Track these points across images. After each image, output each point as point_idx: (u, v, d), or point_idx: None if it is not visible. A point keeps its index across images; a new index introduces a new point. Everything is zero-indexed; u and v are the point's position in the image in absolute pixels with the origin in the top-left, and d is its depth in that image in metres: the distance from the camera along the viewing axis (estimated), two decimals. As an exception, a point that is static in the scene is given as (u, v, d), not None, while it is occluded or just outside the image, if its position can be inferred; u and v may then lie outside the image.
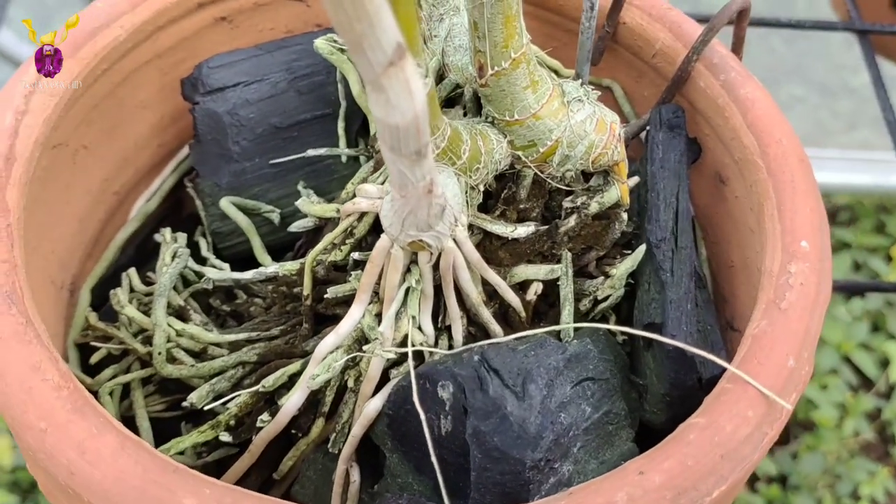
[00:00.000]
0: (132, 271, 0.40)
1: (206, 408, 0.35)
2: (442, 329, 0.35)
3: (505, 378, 0.31)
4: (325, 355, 0.34)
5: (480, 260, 0.34)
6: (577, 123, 0.35)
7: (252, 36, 0.45)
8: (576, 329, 0.36)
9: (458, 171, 0.34)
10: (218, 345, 0.37)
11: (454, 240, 0.33)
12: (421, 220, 0.30)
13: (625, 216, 0.37)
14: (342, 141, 0.43)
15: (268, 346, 0.37)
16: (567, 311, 0.36)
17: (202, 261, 0.42)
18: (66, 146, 0.39)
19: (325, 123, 0.43)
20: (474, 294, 0.34)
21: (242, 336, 0.37)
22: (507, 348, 0.33)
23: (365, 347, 0.33)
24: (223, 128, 0.42)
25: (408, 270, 0.34)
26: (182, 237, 0.41)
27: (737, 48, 0.40)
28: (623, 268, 0.36)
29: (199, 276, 0.40)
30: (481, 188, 0.35)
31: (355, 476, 0.35)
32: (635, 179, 0.39)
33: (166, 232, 0.41)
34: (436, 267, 0.33)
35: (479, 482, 0.31)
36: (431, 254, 0.32)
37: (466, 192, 0.35)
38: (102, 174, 0.42)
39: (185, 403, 0.36)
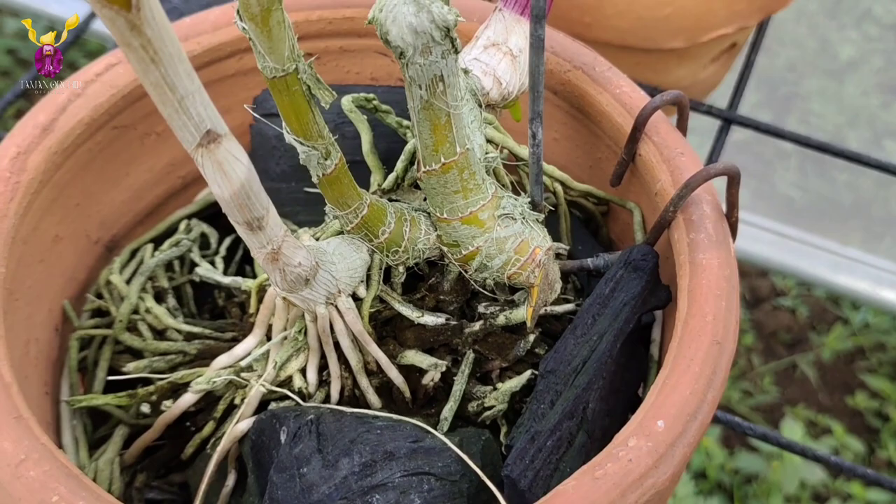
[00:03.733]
0: (149, 246, 0.46)
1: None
2: (327, 382, 0.38)
3: (323, 443, 0.34)
4: (216, 370, 0.38)
5: (363, 332, 0.36)
6: (500, 238, 0.36)
7: (337, 75, 0.50)
8: (458, 426, 0.38)
9: (376, 248, 0.37)
10: (177, 330, 0.42)
11: (336, 307, 0.35)
12: (279, 282, 0.33)
13: (531, 338, 0.38)
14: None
15: (208, 346, 0.42)
16: (449, 407, 0.37)
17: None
18: (134, 129, 0.46)
19: (359, 169, 0.47)
20: (353, 360, 0.37)
21: (196, 329, 0.42)
22: (355, 419, 0.35)
23: (244, 375, 0.37)
24: (270, 149, 0.47)
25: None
26: (198, 229, 0.47)
27: (730, 211, 0.39)
28: (507, 385, 0.37)
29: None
30: (402, 269, 0.38)
31: (230, 481, 0.39)
32: (569, 306, 0.39)
33: (190, 222, 0.47)
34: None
35: (264, 525, 0.34)
36: (313, 312, 0.35)
37: (381, 269, 0.37)
38: (169, 159, 0.49)
39: (123, 368, 0.41)
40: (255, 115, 0.46)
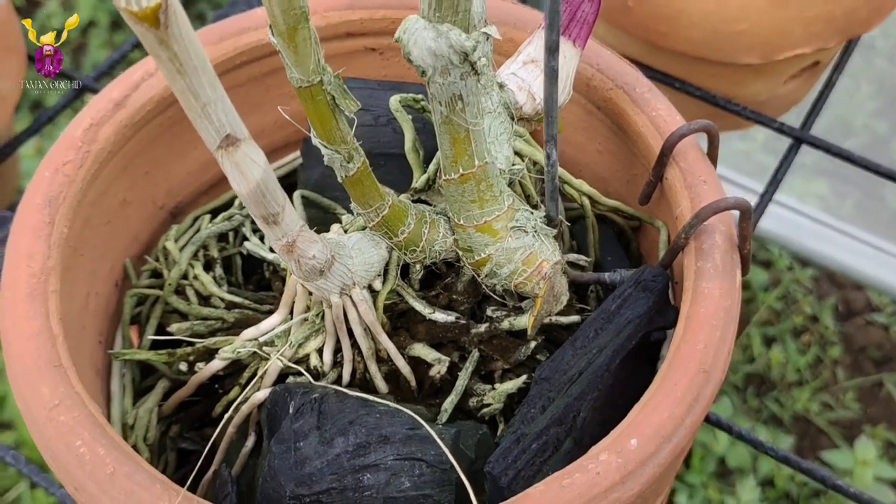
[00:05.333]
0: (207, 216, 0.50)
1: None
2: (340, 364, 0.41)
3: (322, 421, 0.37)
4: (243, 341, 0.41)
5: (374, 322, 0.39)
6: (510, 249, 0.38)
7: (401, 69, 0.52)
8: (458, 419, 0.40)
9: (394, 245, 0.39)
10: (220, 298, 0.46)
11: (350, 297, 0.38)
12: (295, 270, 0.36)
13: (532, 345, 0.40)
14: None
15: (246, 315, 0.45)
16: (450, 400, 0.40)
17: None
18: (180, 124, 0.50)
19: (406, 162, 0.49)
20: (364, 347, 0.40)
21: (237, 299, 0.46)
22: (357, 401, 0.38)
23: (266, 349, 0.41)
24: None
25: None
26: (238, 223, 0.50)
27: (742, 244, 0.40)
28: (504, 387, 0.40)
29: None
30: (419, 267, 0.41)
31: (249, 442, 0.43)
32: (575, 318, 0.41)
33: (246, 199, 0.50)
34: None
35: (262, 490, 0.37)
36: (328, 300, 0.39)
37: (398, 265, 0.40)
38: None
39: (168, 328, 0.45)
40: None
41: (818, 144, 0.68)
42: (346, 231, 0.41)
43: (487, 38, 0.40)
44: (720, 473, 1.50)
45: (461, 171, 0.37)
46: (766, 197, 0.65)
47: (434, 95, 0.34)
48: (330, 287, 0.37)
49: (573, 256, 0.44)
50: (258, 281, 0.50)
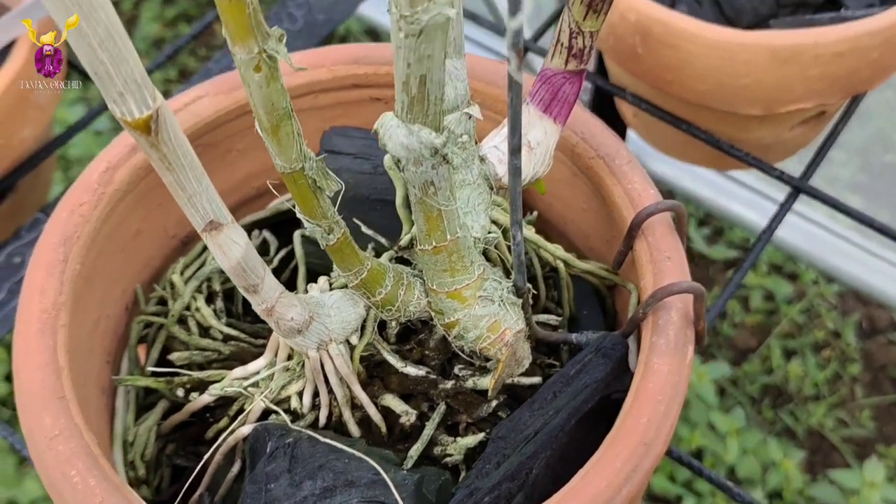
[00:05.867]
0: (213, 251, 0.54)
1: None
2: (318, 407, 0.45)
3: (294, 465, 0.41)
4: (231, 379, 0.45)
5: (349, 374, 0.43)
6: (477, 316, 0.42)
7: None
8: (423, 464, 0.44)
9: (372, 304, 0.43)
10: (219, 330, 0.50)
11: (328, 352, 0.42)
12: (276, 329, 0.40)
13: (493, 404, 0.43)
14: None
15: (241, 348, 0.49)
16: (416, 448, 0.44)
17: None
18: (216, 147, 0.53)
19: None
20: (339, 395, 0.43)
21: (234, 332, 0.50)
22: (328, 447, 0.42)
23: (251, 389, 0.44)
24: (330, 178, 0.53)
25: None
26: (259, 239, 0.54)
27: (696, 322, 0.43)
28: (463, 441, 0.43)
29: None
30: (395, 323, 0.44)
31: (235, 469, 0.47)
32: (536, 379, 0.44)
33: (251, 233, 0.54)
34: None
35: (237, 524, 0.41)
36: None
37: (375, 321, 0.43)
38: (246, 171, 0.56)
39: (169, 357, 0.49)
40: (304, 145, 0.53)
41: (817, 196, 0.70)
42: (332, 286, 0.45)
43: (469, 117, 0.43)
44: (729, 481, 1.52)
45: (434, 243, 0.40)
46: (759, 245, 0.67)
47: (409, 180, 0.38)
48: (308, 343, 0.41)
49: (544, 317, 0.47)
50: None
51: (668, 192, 1.64)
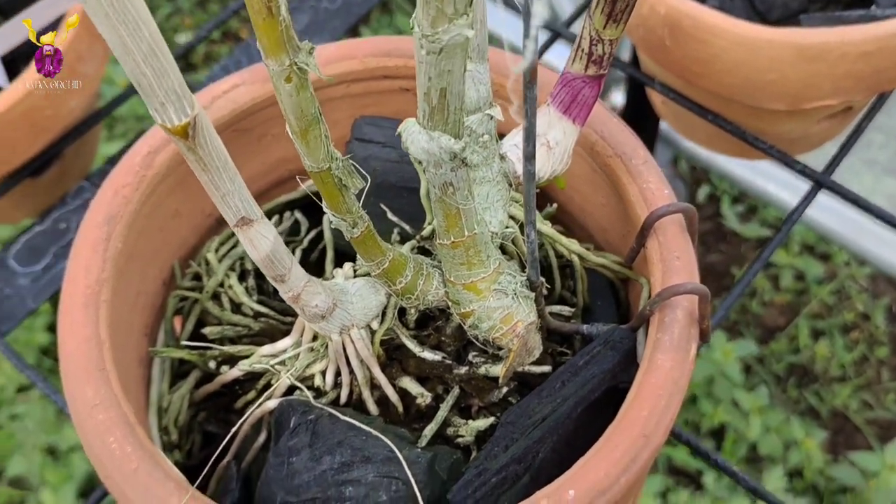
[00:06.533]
0: (247, 230, 0.57)
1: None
2: (340, 385, 0.47)
3: (314, 440, 0.44)
4: (259, 356, 0.48)
5: (370, 357, 0.46)
6: (491, 308, 0.44)
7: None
8: (437, 443, 0.47)
9: (393, 292, 0.45)
10: (250, 307, 0.53)
11: (349, 336, 0.45)
12: (301, 314, 0.43)
13: (503, 391, 0.46)
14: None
15: (270, 325, 0.52)
16: (430, 428, 0.46)
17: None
18: (252, 131, 0.56)
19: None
20: (359, 376, 0.46)
21: (263, 309, 0.53)
22: (347, 425, 0.45)
23: (277, 366, 0.47)
24: (359, 164, 0.56)
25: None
26: (291, 220, 0.56)
27: (701, 321, 0.45)
28: (474, 424, 0.46)
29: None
30: (414, 311, 0.47)
31: (261, 438, 0.50)
32: (546, 368, 0.47)
33: (283, 215, 0.57)
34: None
35: (259, 493, 0.44)
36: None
37: (395, 308, 0.46)
38: (281, 155, 0.58)
39: (202, 331, 0.52)
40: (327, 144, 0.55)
41: (837, 190, 0.71)
42: (356, 272, 0.47)
43: (491, 118, 0.45)
44: (750, 458, 1.55)
45: (452, 238, 0.42)
46: (781, 233, 0.69)
47: (430, 180, 0.40)
48: (331, 328, 0.44)
49: (557, 308, 0.49)
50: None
51: (703, 169, 1.64)
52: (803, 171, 0.72)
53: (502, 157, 0.47)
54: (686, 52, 0.68)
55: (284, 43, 0.33)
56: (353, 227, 0.41)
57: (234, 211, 0.36)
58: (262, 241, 0.37)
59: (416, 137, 0.37)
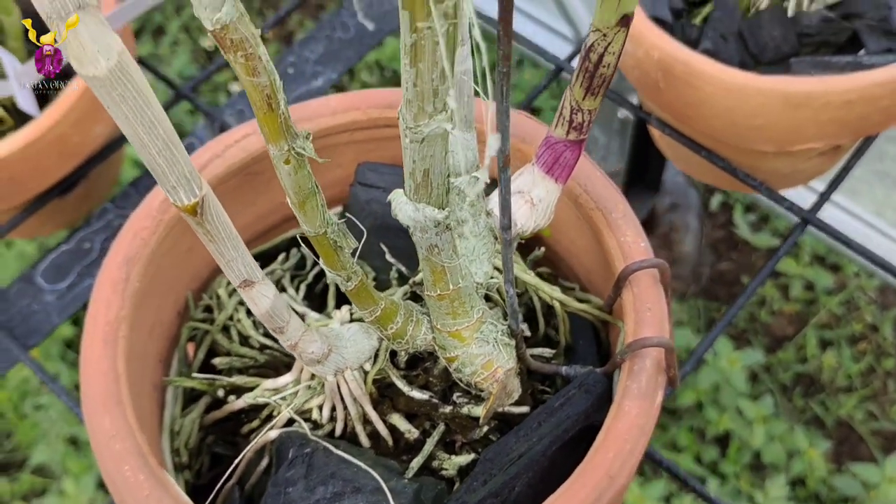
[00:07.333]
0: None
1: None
2: (335, 419, 0.52)
3: (309, 472, 0.48)
4: (262, 389, 0.52)
5: (362, 396, 0.50)
6: (473, 354, 0.48)
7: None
8: (423, 475, 0.51)
9: (385, 336, 0.50)
10: (257, 340, 0.57)
11: (343, 377, 0.49)
12: (299, 359, 0.47)
13: (484, 429, 0.50)
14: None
15: (274, 357, 0.56)
16: (417, 461, 0.50)
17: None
18: (263, 174, 0.60)
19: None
20: (353, 412, 0.50)
21: (269, 343, 0.57)
22: (340, 458, 0.49)
23: (278, 400, 0.52)
24: (360, 208, 0.60)
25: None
26: (297, 257, 0.61)
27: (668, 370, 0.49)
28: (456, 460, 0.50)
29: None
30: (404, 353, 0.51)
31: (264, 464, 0.55)
32: (525, 408, 0.51)
33: (289, 253, 0.61)
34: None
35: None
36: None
37: (387, 350, 0.50)
38: (289, 195, 0.63)
39: (212, 361, 0.57)
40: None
41: (823, 228, 0.75)
42: (352, 316, 0.52)
43: (478, 180, 0.49)
44: (754, 466, 1.58)
45: (438, 291, 0.47)
46: (763, 273, 0.72)
47: (417, 242, 0.44)
48: (326, 370, 0.48)
49: (538, 350, 0.53)
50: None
51: (713, 180, 1.67)
52: (790, 208, 0.75)
53: (488, 213, 0.50)
54: (678, 95, 0.72)
55: (283, 132, 0.37)
56: (347, 281, 0.45)
57: (237, 274, 0.40)
58: (262, 299, 0.42)
59: (403, 207, 0.41)
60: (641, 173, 1.35)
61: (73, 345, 1.56)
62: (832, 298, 1.71)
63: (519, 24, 1.53)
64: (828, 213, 1.53)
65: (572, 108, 0.48)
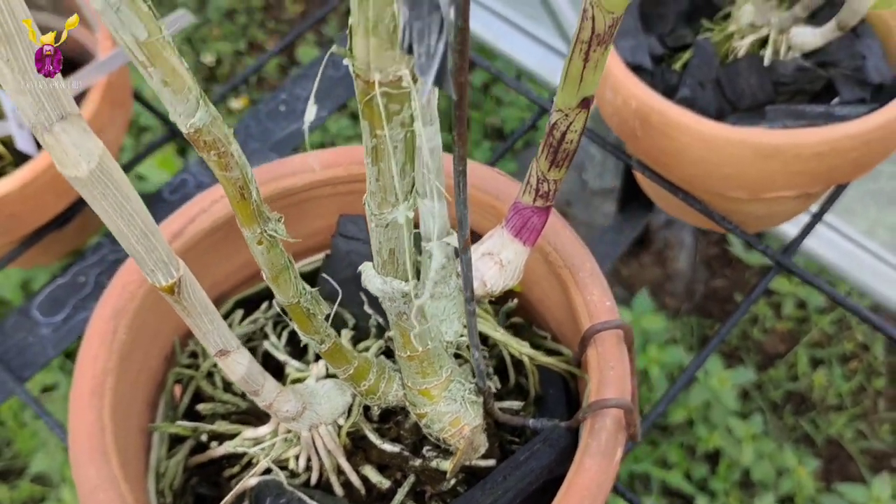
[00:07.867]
0: (239, 312, 0.63)
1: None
2: (311, 468, 0.54)
3: (283, 522, 0.51)
4: (242, 439, 0.55)
5: (336, 449, 0.52)
6: (441, 412, 0.51)
7: (410, 205, 0.64)
8: (393, 523, 0.53)
9: (358, 392, 0.52)
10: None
11: (318, 431, 0.51)
12: (275, 417, 0.49)
13: (451, 482, 0.52)
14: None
15: (255, 405, 0.59)
16: (388, 511, 0.53)
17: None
18: (248, 225, 0.62)
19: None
20: (327, 463, 0.53)
21: (251, 390, 0.59)
22: (315, 507, 0.52)
23: (256, 450, 0.54)
24: (341, 258, 0.62)
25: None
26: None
27: (627, 428, 0.51)
28: (425, 512, 0.52)
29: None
30: (377, 408, 0.53)
31: (244, 506, 0.57)
32: (491, 462, 0.53)
33: (272, 301, 0.63)
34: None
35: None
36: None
37: (360, 405, 0.53)
38: (274, 243, 0.65)
39: (196, 407, 0.59)
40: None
41: (797, 273, 0.77)
42: (328, 371, 0.54)
43: (448, 245, 0.51)
44: (743, 484, 1.60)
45: (408, 352, 0.49)
46: (736, 316, 0.75)
47: (387, 310, 0.46)
48: (301, 426, 0.50)
49: (507, 403, 0.56)
50: (275, 372, 0.63)
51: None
52: (765, 251, 0.77)
53: (458, 275, 0.53)
54: (655, 143, 0.74)
55: (256, 217, 0.39)
56: (321, 344, 0.48)
57: (213, 345, 0.43)
58: (237, 367, 0.44)
59: (372, 280, 0.44)
60: (636, 190, 1.37)
61: (71, 355, 1.59)
62: (824, 317, 1.74)
63: (516, 41, 1.55)
64: (820, 232, 1.55)
65: (538, 177, 0.50)
